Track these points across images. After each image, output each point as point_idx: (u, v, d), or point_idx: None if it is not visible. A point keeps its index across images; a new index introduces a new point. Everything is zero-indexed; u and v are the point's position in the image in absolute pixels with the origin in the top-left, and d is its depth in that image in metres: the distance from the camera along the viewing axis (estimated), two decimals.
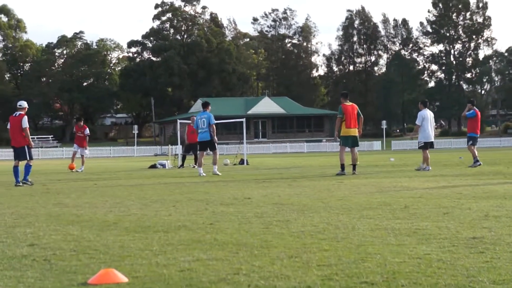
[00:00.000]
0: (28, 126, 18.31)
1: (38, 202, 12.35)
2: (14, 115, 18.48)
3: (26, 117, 18.35)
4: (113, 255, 6.13)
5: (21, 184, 17.76)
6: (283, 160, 42.50)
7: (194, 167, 29.78)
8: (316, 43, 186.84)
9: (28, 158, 18.29)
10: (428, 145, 22.10)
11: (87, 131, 28.81)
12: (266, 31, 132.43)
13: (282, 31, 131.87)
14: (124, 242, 6.90)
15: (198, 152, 23.02)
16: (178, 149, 35.72)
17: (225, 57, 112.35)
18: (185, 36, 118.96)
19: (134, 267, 5.54)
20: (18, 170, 18.12)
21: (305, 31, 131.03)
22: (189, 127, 31.27)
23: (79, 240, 7.12)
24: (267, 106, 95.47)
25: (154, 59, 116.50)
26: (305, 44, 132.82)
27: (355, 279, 4.85)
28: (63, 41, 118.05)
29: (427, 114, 22.30)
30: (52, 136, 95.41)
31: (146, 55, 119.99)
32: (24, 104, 18.63)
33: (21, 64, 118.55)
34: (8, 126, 18.63)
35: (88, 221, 8.89)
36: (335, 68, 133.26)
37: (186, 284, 4.85)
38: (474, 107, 24.24)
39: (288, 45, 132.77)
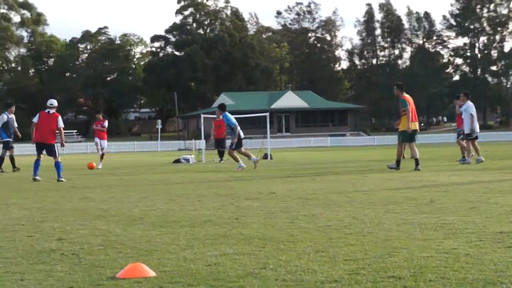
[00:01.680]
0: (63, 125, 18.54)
1: (64, 197, 12.44)
2: (46, 111, 18.37)
3: (60, 116, 18.44)
4: (141, 250, 6.17)
5: (38, 178, 17.66)
6: (307, 154, 42.46)
7: (221, 161, 29.80)
8: (341, 37, 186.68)
9: (57, 156, 18.17)
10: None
11: (106, 123, 27.70)
12: (290, 24, 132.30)
13: (306, 24, 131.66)
14: (151, 237, 6.94)
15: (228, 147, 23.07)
16: (202, 143, 35.78)
17: (248, 51, 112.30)
18: (208, 30, 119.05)
19: (162, 261, 5.57)
20: (39, 164, 18.11)
21: (329, 25, 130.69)
22: (215, 122, 31.17)
23: (106, 235, 7.17)
24: (290, 100, 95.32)
25: (177, 53, 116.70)
26: (328, 37, 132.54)
27: (382, 273, 4.85)
28: (87, 36, 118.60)
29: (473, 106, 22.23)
30: (76, 131, 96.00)
31: (169, 49, 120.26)
32: (56, 103, 18.78)
33: (46, 59, 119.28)
34: (35, 120, 18.39)
35: (114, 216, 8.95)
36: (357, 62, 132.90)
37: (214, 278, 4.87)
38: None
39: (312, 39, 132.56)
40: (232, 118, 22.33)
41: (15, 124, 24.45)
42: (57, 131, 18.47)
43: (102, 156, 26.63)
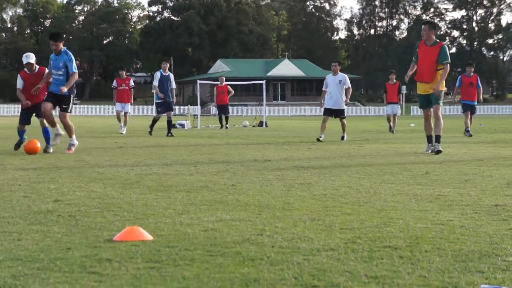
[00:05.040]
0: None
1: (59, 158, 12.44)
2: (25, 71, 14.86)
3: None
4: (137, 213, 6.19)
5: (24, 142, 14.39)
6: (302, 123, 42.48)
7: (222, 128, 29.86)
8: (341, 7, 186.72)
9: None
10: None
11: (132, 82, 25.87)
12: None
13: None
14: (147, 201, 6.96)
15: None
16: (198, 109, 35.77)
17: (242, 18, 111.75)
18: None
19: (158, 225, 5.59)
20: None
21: None
22: (218, 87, 31.20)
23: (103, 198, 7.18)
24: (286, 68, 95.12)
25: (174, 18, 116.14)
26: (327, 7, 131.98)
27: (378, 243, 4.88)
28: None
29: None
30: None
31: (166, 14, 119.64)
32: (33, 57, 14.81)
33: (42, 20, 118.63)
34: (20, 85, 14.76)
35: (110, 179, 8.96)
36: (355, 32, 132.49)
37: (211, 243, 4.88)
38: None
39: (310, 7, 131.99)
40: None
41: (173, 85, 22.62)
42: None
43: (125, 121, 25.08)
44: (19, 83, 14.78)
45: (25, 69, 14.77)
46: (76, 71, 14.43)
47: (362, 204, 6.74)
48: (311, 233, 5.26)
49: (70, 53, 14.44)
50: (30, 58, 14.62)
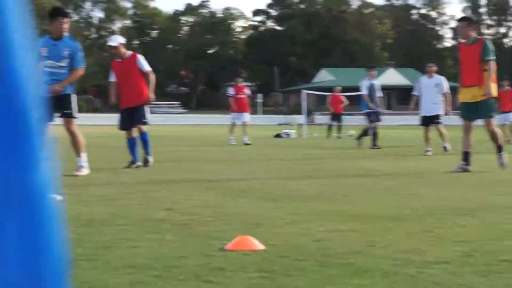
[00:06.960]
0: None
1: (174, 167, 12.60)
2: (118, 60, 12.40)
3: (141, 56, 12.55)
4: (248, 223, 6.21)
5: (139, 163, 12.46)
6: (409, 132, 41.88)
7: (339, 137, 29.77)
8: (448, 15, 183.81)
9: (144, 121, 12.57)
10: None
11: (249, 91, 24.39)
12: None
13: (411, 1, 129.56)
14: (258, 210, 6.99)
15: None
16: (302, 119, 35.89)
17: (345, 27, 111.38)
18: (308, 4, 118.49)
19: (269, 235, 5.60)
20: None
21: (434, 2, 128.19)
22: (333, 96, 31.47)
23: (215, 207, 7.25)
24: (392, 77, 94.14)
25: (277, 28, 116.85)
26: (434, 15, 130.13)
27: (495, 256, 4.75)
28: (189, 9, 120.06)
29: None
30: (179, 102, 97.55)
31: (270, 24, 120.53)
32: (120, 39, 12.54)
33: (149, 31, 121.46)
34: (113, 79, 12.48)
35: (223, 188, 9.05)
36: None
37: (322, 254, 4.86)
38: None
39: (416, 15, 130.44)
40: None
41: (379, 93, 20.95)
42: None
43: (245, 130, 23.41)
44: (111, 75, 12.58)
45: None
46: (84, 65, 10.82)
47: (476, 216, 6.58)
48: (424, 245, 5.18)
49: None
50: (111, 40, 12.31)
